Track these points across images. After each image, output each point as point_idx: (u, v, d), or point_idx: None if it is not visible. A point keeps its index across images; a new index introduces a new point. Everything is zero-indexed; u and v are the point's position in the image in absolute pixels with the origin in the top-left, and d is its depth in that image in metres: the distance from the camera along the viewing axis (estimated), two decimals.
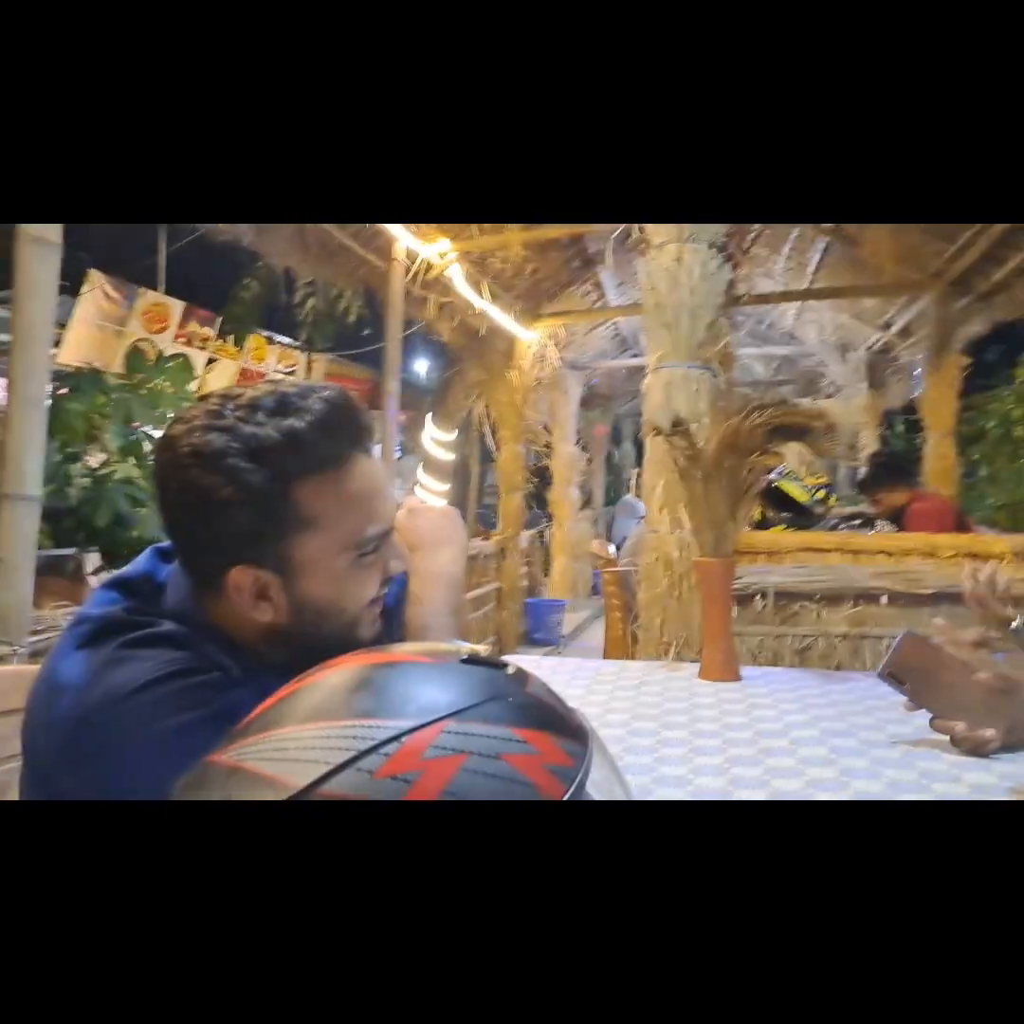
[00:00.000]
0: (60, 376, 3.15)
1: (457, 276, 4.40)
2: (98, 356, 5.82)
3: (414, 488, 6.99)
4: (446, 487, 7.29)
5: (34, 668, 0.81)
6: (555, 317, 5.76)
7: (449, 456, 7.12)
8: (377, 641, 0.84)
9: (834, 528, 3.65)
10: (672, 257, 2.68)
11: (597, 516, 9.73)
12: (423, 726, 0.42)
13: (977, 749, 1.11)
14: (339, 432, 0.77)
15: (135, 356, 3.62)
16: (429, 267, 4.14)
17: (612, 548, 5.29)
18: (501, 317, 5.15)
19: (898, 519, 3.54)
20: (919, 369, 5.98)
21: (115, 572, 0.85)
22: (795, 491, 3.69)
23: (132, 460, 3.06)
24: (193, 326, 6.89)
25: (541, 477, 6.97)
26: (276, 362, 7.92)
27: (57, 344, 5.54)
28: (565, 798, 0.42)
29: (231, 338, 7.16)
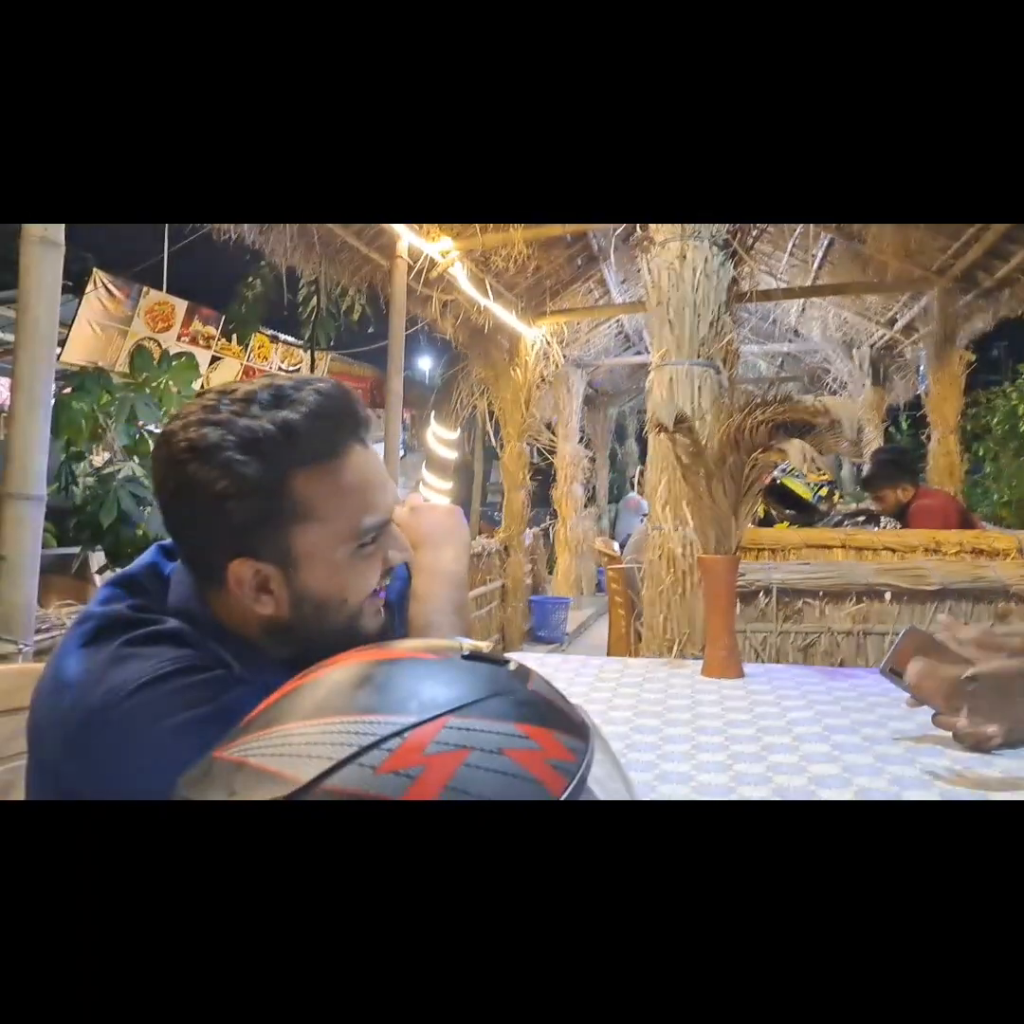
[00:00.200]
0: (65, 375, 3.16)
1: (460, 274, 4.40)
2: (102, 355, 5.85)
3: (418, 486, 7.00)
4: (449, 485, 7.30)
5: (39, 667, 0.81)
6: (558, 314, 5.76)
7: (453, 454, 7.13)
8: (383, 633, 0.84)
9: (838, 525, 3.66)
10: (675, 254, 2.68)
11: (601, 513, 9.73)
12: (425, 722, 0.42)
13: (980, 745, 1.11)
14: (334, 423, 0.77)
15: (139, 355, 3.62)
16: (432, 265, 4.15)
17: (616, 545, 5.29)
18: (504, 315, 5.15)
19: (902, 516, 3.53)
20: (924, 365, 5.97)
21: (120, 570, 0.85)
22: (799, 488, 3.69)
23: (136, 459, 3.07)
24: (197, 325, 6.91)
25: (545, 475, 6.98)
26: (280, 360, 7.94)
27: (61, 344, 5.55)
28: (566, 793, 0.42)
29: (235, 337, 7.17)
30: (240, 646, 0.80)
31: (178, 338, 6.70)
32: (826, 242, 5.15)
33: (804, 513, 3.69)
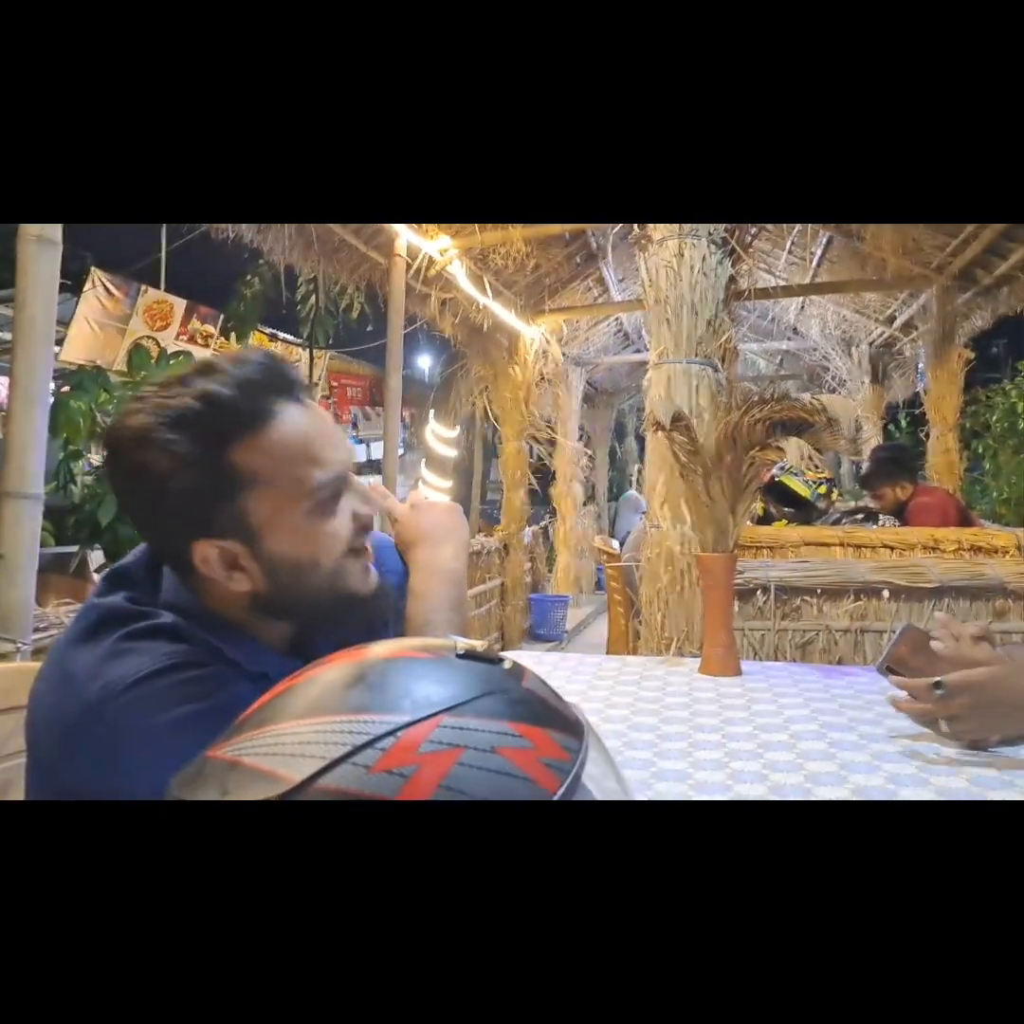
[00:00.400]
0: (63, 374, 3.16)
1: (459, 272, 4.40)
2: (100, 354, 5.84)
3: (417, 484, 6.99)
4: (449, 483, 7.29)
5: (37, 665, 0.81)
6: (557, 312, 5.76)
7: (452, 452, 7.13)
8: (380, 596, 0.84)
9: (836, 523, 3.66)
10: (672, 252, 2.68)
11: (600, 511, 9.73)
12: (419, 721, 0.42)
13: (977, 744, 1.11)
14: (261, 387, 0.77)
15: (138, 354, 3.62)
16: (431, 263, 4.14)
17: (615, 543, 5.30)
18: (503, 313, 5.15)
19: (901, 513, 3.54)
20: (923, 363, 5.97)
21: (115, 564, 0.86)
22: (797, 486, 3.69)
23: None
24: (195, 323, 6.90)
25: (544, 473, 6.97)
26: None
27: (60, 342, 5.55)
28: (560, 792, 0.42)
29: (233, 335, 7.17)
30: (237, 633, 0.79)
31: (177, 337, 6.69)
32: (825, 240, 5.14)
33: (802, 511, 3.69)
